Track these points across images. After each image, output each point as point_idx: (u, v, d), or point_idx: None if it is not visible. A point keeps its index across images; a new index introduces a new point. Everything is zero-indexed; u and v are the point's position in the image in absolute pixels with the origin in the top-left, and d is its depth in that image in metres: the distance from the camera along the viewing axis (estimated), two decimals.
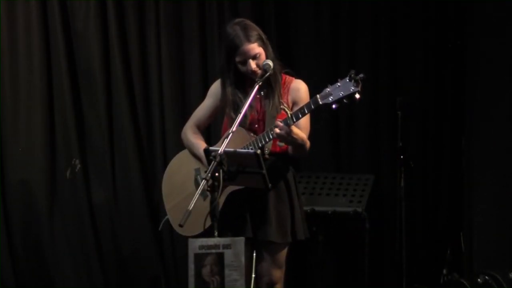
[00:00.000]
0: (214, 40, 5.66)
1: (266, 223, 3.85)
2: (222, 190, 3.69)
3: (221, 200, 3.77)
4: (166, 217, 4.12)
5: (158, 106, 5.71)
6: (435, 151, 5.71)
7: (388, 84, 5.68)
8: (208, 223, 3.45)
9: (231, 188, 3.80)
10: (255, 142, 3.80)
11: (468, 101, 5.50)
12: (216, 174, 3.42)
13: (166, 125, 5.68)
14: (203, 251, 3.39)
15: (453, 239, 5.54)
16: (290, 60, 5.39)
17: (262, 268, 3.94)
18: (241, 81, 3.92)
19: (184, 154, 4.09)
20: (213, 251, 3.39)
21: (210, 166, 3.44)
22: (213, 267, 3.38)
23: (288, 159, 3.94)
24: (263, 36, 3.89)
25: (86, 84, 5.73)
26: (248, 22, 3.93)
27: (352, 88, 3.56)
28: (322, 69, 5.62)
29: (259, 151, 3.65)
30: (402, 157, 5.16)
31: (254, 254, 3.93)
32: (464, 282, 4.77)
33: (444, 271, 5.23)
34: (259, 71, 3.84)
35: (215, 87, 4.08)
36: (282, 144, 3.80)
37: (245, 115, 3.80)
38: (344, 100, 3.59)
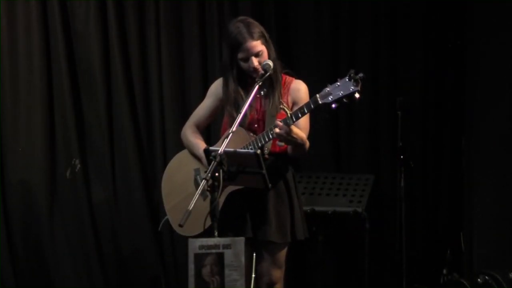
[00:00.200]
0: (214, 40, 5.66)
1: (265, 223, 3.85)
2: (222, 190, 3.70)
3: (221, 200, 3.77)
4: (166, 217, 4.12)
5: (158, 106, 5.71)
6: (435, 151, 5.71)
7: (388, 84, 5.68)
8: (208, 223, 3.44)
9: (230, 188, 3.80)
10: (254, 142, 3.80)
11: (468, 101, 5.50)
12: (216, 174, 3.42)
13: (166, 125, 5.68)
14: (203, 251, 3.39)
15: (453, 239, 5.54)
16: (290, 60, 5.39)
17: (262, 268, 3.94)
18: (242, 79, 3.92)
19: (183, 154, 4.09)
20: (213, 251, 3.38)
21: (210, 166, 3.44)
22: (213, 267, 3.38)
23: (288, 159, 3.94)
24: (266, 34, 3.90)
25: (86, 84, 5.73)
26: (251, 19, 3.94)
27: (352, 87, 3.57)
28: (322, 69, 5.63)
29: (259, 151, 3.65)
30: (402, 157, 5.16)
31: (254, 254, 3.93)
32: (464, 282, 4.77)
33: (444, 271, 5.23)
34: (261, 69, 3.84)
35: (215, 87, 4.08)
36: (282, 143, 3.80)
37: (244, 115, 3.80)
38: (344, 100, 3.59)
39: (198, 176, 3.97)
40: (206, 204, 3.48)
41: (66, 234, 5.72)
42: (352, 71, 3.58)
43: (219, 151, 3.49)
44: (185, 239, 3.60)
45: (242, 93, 3.91)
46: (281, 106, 3.84)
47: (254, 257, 3.93)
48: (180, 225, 3.45)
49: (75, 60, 5.71)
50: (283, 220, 3.90)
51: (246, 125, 3.90)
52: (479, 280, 4.71)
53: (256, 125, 3.92)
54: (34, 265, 5.70)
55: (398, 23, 5.70)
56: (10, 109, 5.68)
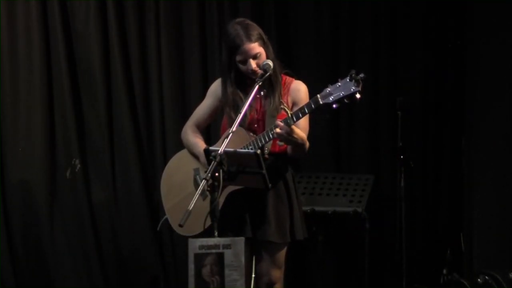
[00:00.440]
0: (214, 40, 5.66)
1: (265, 223, 3.85)
2: (222, 190, 3.70)
3: (221, 200, 3.77)
4: (165, 217, 4.12)
5: (158, 106, 5.71)
6: (435, 151, 5.71)
7: (388, 84, 5.68)
8: (208, 223, 3.44)
9: (230, 188, 3.80)
10: (255, 142, 3.80)
11: (468, 101, 5.50)
12: (216, 174, 3.42)
13: (166, 125, 5.68)
14: (203, 251, 3.39)
15: (453, 239, 5.54)
16: (290, 60, 5.40)
17: (261, 268, 3.94)
18: (241, 80, 3.93)
19: (183, 154, 4.09)
20: (213, 251, 3.39)
21: (210, 166, 3.44)
22: (213, 267, 3.38)
23: (288, 159, 3.94)
24: (264, 36, 3.90)
25: (86, 84, 5.73)
26: (249, 21, 3.93)
27: (353, 88, 3.57)
28: (322, 69, 5.63)
29: (259, 151, 3.65)
30: (402, 157, 5.16)
31: (254, 254, 3.94)
32: (464, 282, 4.77)
33: (444, 271, 5.22)
34: (259, 71, 3.84)
35: (215, 87, 4.09)
36: (282, 143, 3.80)
37: (244, 115, 3.80)
38: (345, 100, 3.60)
39: (198, 176, 3.97)
40: (206, 204, 3.48)
41: (66, 234, 5.72)
42: (353, 72, 3.58)
43: (219, 151, 3.49)
44: (185, 239, 3.60)
45: (241, 95, 3.92)
46: (281, 106, 3.84)
47: (254, 257, 3.93)
48: (180, 225, 3.45)
49: (75, 60, 5.71)
50: (283, 220, 3.90)
51: (246, 125, 3.90)
52: (479, 280, 4.71)
53: (256, 125, 3.92)
54: (34, 265, 5.70)
55: (398, 23, 5.70)
56: (10, 109, 5.68)
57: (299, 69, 5.33)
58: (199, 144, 4.00)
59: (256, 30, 3.88)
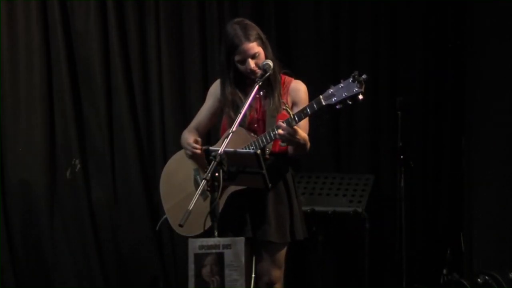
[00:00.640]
0: (214, 40, 5.66)
1: (265, 223, 3.85)
2: (223, 191, 3.70)
3: (222, 200, 3.77)
4: (164, 217, 4.11)
5: (158, 106, 5.71)
6: (435, 151, 5.71)
7: (388, 84, 5.68)
8: (208, 223, 3.44)
9: (232, 189, 3.80)
10: (256, 142, 3.80)
11: (468, 101, 5.50)
12: (216, 174, 3.42)
13: (166, 125, 5.69)
14: (203, 251, 3.39)
15: (453, 239, 5.54)
16: (290, 60, 5.39)
17: (261, 268, 3.94)
18: (241, 80, 3.93)
19: (182, 154, 4.09)
20: (213, 251, 3.38)
21: (210, 166, 3.44)
22: (213, 267, 3.38)
23: (288, 159, 3.94)
24: (263, 36, 3.90)
25: (86, 84, 5.73)
26: (248, 21, 3.93)
27: (356, 89, 3.57)
28: (322, 69, 5.63)
29: (259, 151, 3.65)
30: (402, 157, 5.16)
31: (254, 254, 3.94)
32: (464, 282, 4.77)
33: (444, 271, 5.22)
34: (258, 71, 3.84)
35: (214, 88, 4.09)
36: (285, 144, 3.79)
37: (244, 115, 3.80)
38: (348, 101, 3.60)
39: (198, 176, 3.97)
40: (206, 204, 3.48)
41: (66, 234, 5.73)
42: (356, 73, 3.59)
43: (219, 151, 3.49)
44: (185, 239, 3.60)
45: (240, 95, 3.92)
46: (283, 107, 3.84)
47: (254, 257, 3.93)
48: (180, 225, 3.45)
49: (75, 60, 5.71)
50: (283, 220, 3.90)
51: (246, 125, 3.90)
52: (479, 280, 4.71)
53: (256, 125, 3.92)
54: (34, 265, 5.70)
55: (398, 23, 5.70)
56: (10, 109, 5.68)
57: (299, 69, 5.33)
58: (190, 136, 3.99)
59: (254, 30, 3.88)
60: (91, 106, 5.74)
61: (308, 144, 3.82)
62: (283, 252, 3.95)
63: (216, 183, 3.41)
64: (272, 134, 3.75)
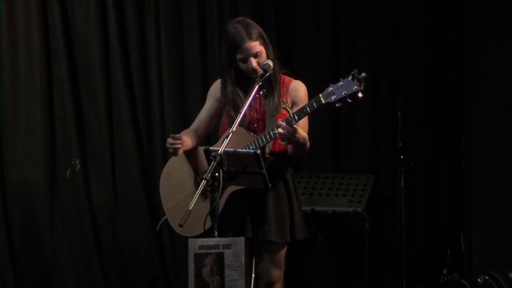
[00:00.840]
0: (214, 40, 5.67)
1: (265, 223, 3.85)
2: (224, 190, 3.70)
3: (223, 200, 3.77)
4: (164, 217, 4.11)
5: (158, 106, 5.71)
6: (435, 151, 5.71)
7: (388, 84, 5.68)
8: (208, 224, 3.44)
9: (232, 189, 3.80)
10: (256, 142, 3.80)
11: (468, 101, 5.50)
12: (216, 174, 3.42)
13: (166, 125, 5.69)
14: (203, 251, 3.39)
15: (453, 239, 5.54)
16: (290, 60, 5.40)
17: (261, 268, 3.94)
18: (241, 79, 3.92)
19: (181, 155, 4.08)
20: (213, 251, 3.38)
21: (210, 166, 3.44)
22: (213, 267, 3.38)
23: (288, 159, 3.94)
24: (264, 35, 3.90)
25: (86, 84, 5.73)
26: (250, 20, 3.93)
27: (355, 87, 3.58)
28: (322, 69, 5.63)
29: (259, 151, 3.65)
30: (402, 157, 5.16)
31: (254, 254, 3.94)
32: (464, 282, 4.77)
33: (444, 271, 5.22)
34: (259, 70, 3.84)
35: (214, 89, 4.09)
36: (285, 143, 3.79)
37: (244, 115, 3.79)
38: (348, 99, 3.60)
39: (198, 176, 3.97)
40: (207, 204, 3.48)
41: (66, 234, 5.72)
42: (355, 71, 3.59)
43: (219, 151, 3.48)
44: (185, 239, 3.60)
45: (240, 94, 3.91)
46: (283, 106, 3.83)
47: (254, 257, 3.93)
48: (180, 225, 3.45)
49: (75, 60, 5.71)
50: (283, 220, 3.90)
51: (245, 124, 3.90)
52: (479, 280, 4.71)
53: (255, 125, 3.92)
54: (34, 265, 5.70)
55: (398, 23, 5.70)
56: (10, 109, 5.68)
57: (299, 69, 5.33)
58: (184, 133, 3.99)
59: (256, 29, 3.88)
60: (91, 106, 5.74)
61: (308, 143, 3.82)
62: (283, 252, 3.95)
63: (216, 183, 3.41)
64: (272, 133, 3.75)
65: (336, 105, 3.62)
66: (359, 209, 5.25)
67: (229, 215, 3.76)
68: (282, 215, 3.90)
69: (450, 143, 5.71)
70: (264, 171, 3.62)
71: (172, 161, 4.11)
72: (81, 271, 5.71)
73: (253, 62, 3.84)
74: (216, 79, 4.12)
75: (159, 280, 5.72)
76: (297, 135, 3.69)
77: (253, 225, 3.86)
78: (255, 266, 3.94)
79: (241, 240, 3.42)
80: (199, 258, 3.39)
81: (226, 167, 3.46)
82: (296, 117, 3.68)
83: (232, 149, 3.59)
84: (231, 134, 3.62)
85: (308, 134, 3.83)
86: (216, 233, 3.39)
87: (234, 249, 3.38)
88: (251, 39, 3.83)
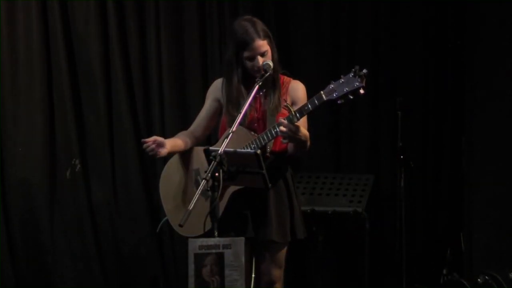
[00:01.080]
0: (214, 40, 5.67)
1: (266, 223, 3.85)
2: (225, 191, 3.70)
3: (224, 200, 3.78)
4: (164, 218, 4.11)
5: (158, 106, 5.71)
6: (435, 151, 5.71)
7: (388, 84, 5.68)
8: (208, 225, 3.44)
9: (233, 188, 3.80)
10: (257, 141, 3.79)
11: (468, 101, 5.50)
12: (216, 174, 3.42)
13: (166, 125, 5.69)
14: (203, 251, 3.39)
15: (453, 239, 5.54)
16: (290, 60, 5.40)
17: (262, 267, 3.94)
18: (246, 78, 3.91)
19: (181, 155, 4.08)
20: (213, 251, 3.38)
21: (210, 166, 3.44)
22: (213, 267, 3.38)
23: (288, 158, 3.94)
24: (270, 35, 3.91)
25: (86, 84, 5.73)
26: (256, 19, 3.93)
27: (357, 83, 3.59)
28: (322, 69, 5.63)
29: (259, 151, 3.65)
30: (402, 157, 5.16)
31: (254, 254, 3.94)
32: (464, 282, 4.77)
33: (444, 271, 5.22)
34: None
35: (212, 89, 4.08)
36: (286, 141, 3.78)
37: (244, 115, 3.79)
38: (349, 96, 3.61)
39: (198, 177, 3.97)
40: (208, 205, 3.48)
41: (66, 234, 5.73)
42: (356, 67, 3.61)
43: (219, 151, 3.48)
44: (185, 239, 3.60)
45: (244, 92, 3.91)
46: (284, 104, 3.83)
47: (254, 257, 3.93)
48: (180, 225, 3.45)
49: (75, 60, 5.71)
50: (283, 220, 3.90)
51: (246, 124, 3.90)
52: (479, 280, 4.71)
53: (256, 124, 3.92)
54: (34, 265, 5.70)
55: (398, 23, 5.70)
56: (10, 109, 5.68)
57: (299, 69, 5.35)
58: (173, 138, 3.99)
59: (264, 28, 3.89)
60: (91, 106, 5.74)
61: (309, 142, 3.81)
62: (283, 251, 3.95)
63: (216, 183, 3.41)
64: (273, 132, 3.75)
65: (338, 102, 3.63)
66: (359, 209, 5.24)
67: (230, 215, 3.77)
68: (283, 214, 3.90)
69: (450, 143, 5.71)
70: (264, 171, 3.62)
71: (171, 162, 4.11)
72: (81, 271, 5.71)
73: (260, 61, 3.85)
74: (215, 79, 4.12)
75: (159, 280, 5.72)
76: (299, 133, 3.69)
77: (254, 225, 3.86)
78: (256, 265, 3.94)
79: (241, 240, 3.42)
80: (199, 258, 3.39)
81: (226, 167, 3.46)
82: (297, 115, 3.69)
83: (232, 149, 3.59)
84: (231, 134, 3.62)
85: (308, 132, 3.83)
86: (216, 233, 3.39)
87: (234, 249, 3.38)
88: (260, 37, 3.84)
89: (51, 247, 5.71)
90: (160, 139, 3.93)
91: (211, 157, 3.46)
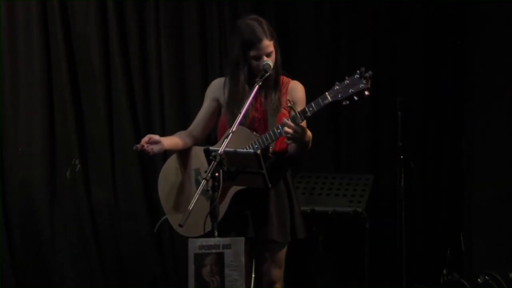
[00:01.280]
0: (214, 41, 5.66)
1: (267, 223, 3.86)
2: (227, 191, 3.70)
3: (227, 201, 3.78)
4: (163, 218, 4.11)
5: (158, 106, 5.71)
6: (435, 151, 5.71)
7: (388, 84, 5.68)
8: (208, 227, 3.44)
9: (236, 189, 3.80)
10: (260, 141, 3.79)
11: (468, 101, 5.51)
12: (216, 174, 3.42)
13: (166, 125, 5.69)
14: (203, 251, 3.39)
15: (453, 239, 5.54)
16: (290, 60, 5.40)
17: (262, 267, 3.94)
18: (250, 77, 3.91)
19: (179, 155, 4.07)
20: (213, 251, 3.38)
21: (210, 166, 3.44)
22: (213, 267, 3.38)
23: (288, 158, 3.94)
24: (275, 36, 3.91)
25: (86, 84, 5.73)
26: (263, 19, 3.94)
27: (362, 85, 3.62)
28: (322, 69, 5.63)
29: (259, 151, 3.65)
30: (402, 157, 5.16)
31: (254, 254, 3.94)
32: (464, 282, 4.77)
33: (444, 271, 5.22)
34: None
35: (211, 88, 4.09)
36: (290, 142, 3.78)
37: (244, 115, 3.79)
38: (354, 97, 3.62)
39: (199, 176, 3.97)
40: (209, 205, 3.47)
41: (66, 234, 5.72)
42: (362, 69, 3.64)
43: (219, 151, 3.48)
44: (185, 239, 3.60)
45: (247, 91, 3.90)
46: (289, 105, 3.84)
47: (254, 257, 3.93)
48: (180, 225, 3.45)
49: (75, 60, 5.71)
50: (284, 219, 3.90)
51: (246, 124, 3.90)
52: (479, 280, 4.71)
53: (257, 124, 3.92)
54: (34, 265, 5.70)
55: (398, 23, 5.70)
56: (10, 109, 5.68)
57: (299, 69, 5.35)
58: (171, 137, 3.98)
59: (270, 28, 3.90)
60: (91, 107, 5.73)
61: (311, 143, 3.81)
62: (283, 251, 3.96)
63: (216, 183, 3.41)
64: (277, 132, 3.75)
65: (343, 103, 3.64)
66: (359, 209, 5.24)
67: (231, 215, 3.77)
68: (283, 214, 3.91)
69: (450, 143, 5.71)
70: (264, 171, 3.62)
71: (170, 162, 4.11)
72: (81, 271, 5.71)
73: (270, 61, 3.85)
74: (215, 79, 4.12)
75: (159, 280, 5.72)
76: (304, 135, 3.69)
77: (255, 225, 3.86)
78: (256, 265, 3.95)
79: (241, 240, 3.42)
80: (199, 258, 3.39)
81: (226, 167, 3.46)
82: (302, 116, 3.69)
83: (232, 149, 3.59)
84: (231, 134, 3.61)
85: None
86: (216, 233, 3.39)
87: (234, 249, 3.38)
88: (267, 37, 3.85)
89: (51, 247, 5.70)
90: (156, 137, 3.92)
91: (211, 157, 3.46)
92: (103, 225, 5.74)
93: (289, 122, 3.66)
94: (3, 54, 5.65)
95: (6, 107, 5.67)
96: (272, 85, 3.91)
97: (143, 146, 3.88)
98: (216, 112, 4.07)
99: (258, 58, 3.85)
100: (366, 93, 3.63)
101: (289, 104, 3.83)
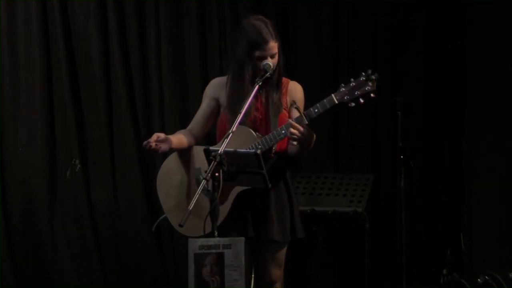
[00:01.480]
0: (214, 41, 5.67)
1: (267, 222, 3.86)
2: (230, 191, 3.70)
3: (230, 201, 3.78)
4: (161, 217, 4.11)
5: (158, 106, 5.71)
6: (435, 151, 5.71)
7: (388, 84, 5.68)
8: (208, 227, 3.43)
9: (238, 190, 3.80)
10: (264, 141, 3.78)
11: (468, 101, 5.50)
12: (216, 174, 3.42)
13: (166, 125, 5.69)
14: (203, 251, 3.39)
15: (453, 239, 5.54)
16: (289, 60, 5.38)
17: (262, 267, 3.94)
18: (254, 77, 3.91)
19: (179, 154, 4.07)
20: (213, 251, 3.38)
21: (210, 166, 3.44)
22: (213, 267, 3.38)
23: (288, 158, 3.94)
24: (279, 37, 3.92)
25: (86, 84, 5.73)
26: (268, 20, 3.93)
27: (368, 87, 3.67)
28: (322, 69, 5.62)
29: (259, 151, 3.65)
30: (402, 157, 5.16)
31: (254, 254, 3.93)
32: (464, 282, 4.77)
33: (444, 271, 5.22)
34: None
35: (210, 88, 4.08)
36: (295, 143, 3.77)
37: (245, 115, 3.78)
38: (361, 99, 3.63)
39: (200, 176, 3.96)
40: (209, 205, 3.47)
41: (66, 234, 5.73)
42: (369, 71, 3.68)
43: (219, 151, 3.48)
44: (185, 239, 3.60)
45: (250, 90, 3.89)
46: (294, 106, 3.84)
47: (254, 257, 3.93)
48: (180, 225, 3.45)
49: (75, 60, 5.72)
50: (284, 219, 3.90)
51: (248, 124, 3.89)
52: (479, 280, 4.72)
53: (258, 124, 3.92)
54: (34, 265, 5.70)
55: (398, 23, 5.70)
56: (10, 109, 5.68)
57: (298, 69, 5.34)
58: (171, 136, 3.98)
59: (275, 30, 3.90)
60: (91, 106, 5.74)
61: (312, 144, 3.82)
62: (283, 251, 3.95)
63: (216, 183, 3.41)
64: (282, 133, 3.75)
65: (349, 105, 3.66)
66: (359, 209, 5.25)
67: (231, 215, 3.77)
68: (283, 214, 3.90)
69: (450, 143, 5.71)
70: (264, 171, 3.62)
71: (169, 161, 4.10)
72: (81, 271, 5.71)
73: (270, 62, 3.85)
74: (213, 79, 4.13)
75: (159, 280, 5.72)
76: (310, 136, 3.69)
77: (255, 225, 3.86)
78: (256, 265, 3.95)
79: (241, 240, 3.42)
80: (199, 258, 3.39)
81: (226, 167, 3.46)
82: (307, 117, 3.69)
83: (232, 149, 3.59)
84: (231, 134, 3.61)
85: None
86: (216, 233, 3.39)
87: (234, 249, 3.38)
88: (273, 39, 3.85)
89: (51, 247, 5.71)
90: (162, 135, 3.93)
91: (211, 157, 3.46)
92: (103, 225, 5.74)
93: (296, 124, 3.66)
94: (3, 54, 5.65)
95: (6, 107, 5.68)
96: (273, 86, 3.91)
97: (151, 145, 3.88)
98: (214, 111, 4.06)
99: (262, 58, 3.85)
100: (372, 95, 3.64)
101: (294, 106, 3.83)
